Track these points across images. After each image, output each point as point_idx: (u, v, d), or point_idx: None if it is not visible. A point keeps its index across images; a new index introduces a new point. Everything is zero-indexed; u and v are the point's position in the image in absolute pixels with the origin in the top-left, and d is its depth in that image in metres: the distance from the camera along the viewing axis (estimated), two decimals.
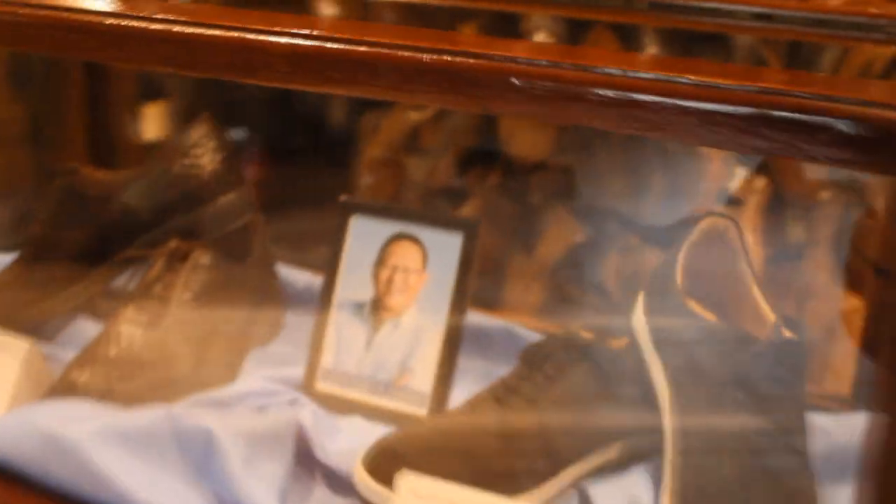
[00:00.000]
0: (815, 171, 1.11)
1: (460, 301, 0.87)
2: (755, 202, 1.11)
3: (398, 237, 0.90)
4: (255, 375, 0.90)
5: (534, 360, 0.80)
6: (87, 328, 0.97)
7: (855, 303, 0.98)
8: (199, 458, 0.78)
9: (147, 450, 0.79)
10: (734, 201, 1.11)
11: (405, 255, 0.89)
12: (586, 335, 0.80)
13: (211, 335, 0.90)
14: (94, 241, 0.95)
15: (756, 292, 0.74)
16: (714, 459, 0.69)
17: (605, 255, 1.13)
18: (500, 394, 0.79)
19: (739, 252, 0.75)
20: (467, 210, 1.18)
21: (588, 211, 1.12)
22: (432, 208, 1.12)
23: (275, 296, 0.99)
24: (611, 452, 0.79)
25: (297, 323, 0.99)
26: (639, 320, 0.79)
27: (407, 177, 1.21)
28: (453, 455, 0.76)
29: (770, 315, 0.72)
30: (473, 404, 0.80)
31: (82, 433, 0.78)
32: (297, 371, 0.92)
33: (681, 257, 0.75)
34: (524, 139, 1.15)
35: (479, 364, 0.91)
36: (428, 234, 0.88)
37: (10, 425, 0.81)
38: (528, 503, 0.74)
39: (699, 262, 0.76)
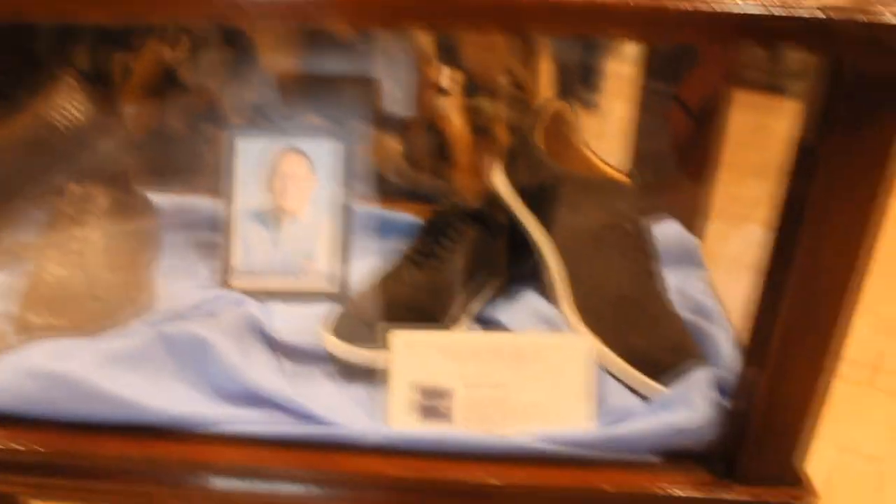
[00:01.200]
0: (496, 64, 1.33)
1: (347, 195, 0.98)
2: (457, 90, 1.32)
3: (285, 150, 0.98)
4: (178, 288, 0.96)
5: (437, 228, 0.94)
6: None
7: None
8: (197, 361, 0.84)
9: (146, 365, 0.84)
10: (442, 91, 1.30)
11: (293, 165, 0.98)
12: (466, 203, 0.97)
13: (127, 262, 0.93)
14: None
15: (592, 153, 0.97)
16: (595, 272, 0.90)
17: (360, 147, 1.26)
18: (416, 258, 0.93)
19: (573, 125, 0.97)
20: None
21: (333, 112, 1.22)
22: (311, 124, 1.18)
23: (153, 219, 1.02)
24: (497, 283, 0.98)
25: (172, 240, 1.05)
26: (501, 182, 0.97)
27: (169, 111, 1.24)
28: (396, 310, 0.89)
29: (609, 168, 0.95)
30: (395, 271, 0.93)
31: (81, 365, 0.82)
32: (205, 277, 0.99)
33: (537, 129, 0.94)
34: (281, 65, 1.23)
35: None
36: (311, 145, 0.98)
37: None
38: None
39: (550, 133, 0.96)
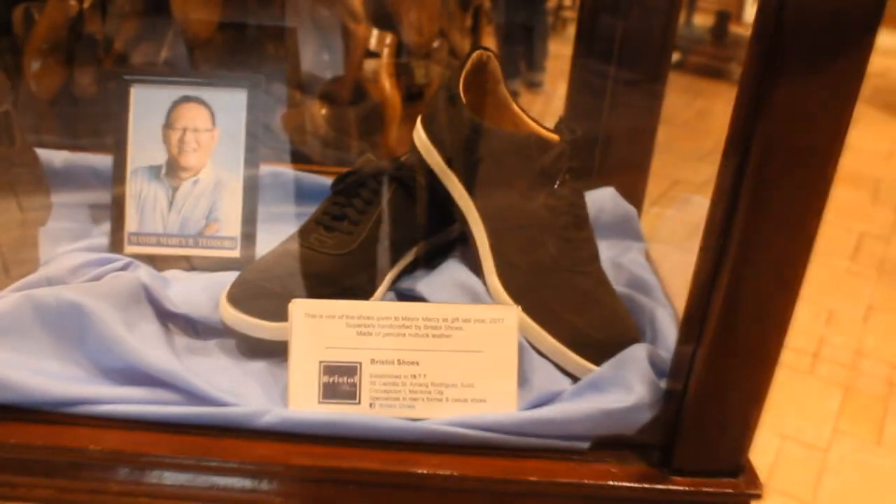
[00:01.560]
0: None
1: (253, 151, 0.87)
2: (388, 53, 1.21)
3: (183, 100, 0.86)
4: (62, 252, 0.84)
5: (349, 189, 0.83)
6: None
7: None
8: (72, 332, 0.72)
9: (12, 336, 0.72)
10: (373, 54, 1.20)
11: (193, 116, 0.86)
12: (381, 161, 0.85)
13: (5, 223, 0.81)
14: None
15: (518, 108, 0.86)
16: (523, 240, 0.80)
17: (279, 110, 1.15)
18: (326, 221, 0.82)
19: (499, 77, 0.86)
20: None
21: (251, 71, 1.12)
22: (214, 71, 1.06)
23: (41, 178, 0.90)
24: (413, 254, 0.87)
25: (64, 201, 0.92)
26: (422, 139, 0.86)
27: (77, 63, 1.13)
28: (303, 279, 0.78)
29: (538, 125, 0.84)
30: (303, 234, 0.82)
31: None
32: (97, 241, 0.87)
33: (461, 82, 0.83)
34: (194, 18, 1.11)
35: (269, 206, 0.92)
36: (212, 95, 0.86)
37: None
38: None
39: (474, 87, 0.85)
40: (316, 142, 1.14)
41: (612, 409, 0.69)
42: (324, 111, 1.15)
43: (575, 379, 0.75)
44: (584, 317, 0.77)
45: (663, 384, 0.71)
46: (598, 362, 0.74)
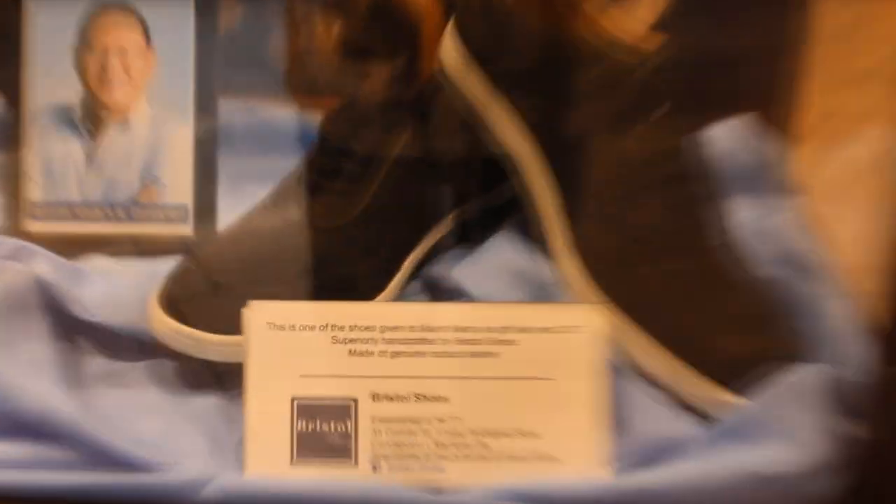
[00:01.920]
0: None
1: (208, 82, 0.68)
2: None
3: (103, 9, 0.67)
4: None
5: (347, 131, 0.62)
6: None
7: None
8: None
9: None
10: None
11: (117, 31, 0.68)
12: (396, 88, 0.64)
13: None
14: None
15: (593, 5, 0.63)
16: (608, 202, 0.59)
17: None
18: (315, 179, 0.62)
19: None
20: None
21: None
22: None
23: None
24: (444, 227, 0.66)
25: None
26: (454, 59, 0.64)
27: None
28: (275, 267, 0.59)
29: (621, 29, 0.61)
30: (276, 202, 0.63)
31: None
32: None
33: None
34: None
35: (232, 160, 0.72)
36: (145, 1, 0.67)
37: None
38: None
39: None
40: (322, 70, 0.94)
41: (765, 470, 0.48)
42: (334, 27, 0.96)
43: (703, 420, 0.54)
44: (711, 318, 0.56)
45: (849, 426, 0.50)
46: (738, 392, 0.53)
